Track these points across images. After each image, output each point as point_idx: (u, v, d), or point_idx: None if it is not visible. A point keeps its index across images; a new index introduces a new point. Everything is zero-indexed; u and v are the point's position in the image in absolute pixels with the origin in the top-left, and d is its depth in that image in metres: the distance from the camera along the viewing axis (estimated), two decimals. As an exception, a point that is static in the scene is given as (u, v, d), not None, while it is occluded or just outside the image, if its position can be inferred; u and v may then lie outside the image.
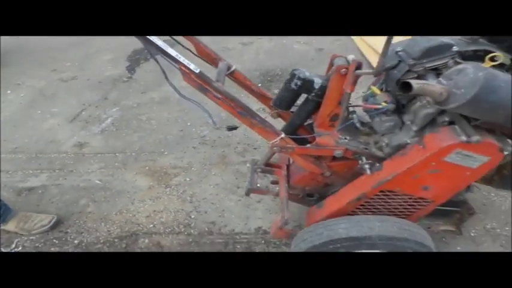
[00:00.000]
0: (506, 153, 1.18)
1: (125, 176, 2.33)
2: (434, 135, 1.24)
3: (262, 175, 1.95)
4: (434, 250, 1.34)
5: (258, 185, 1.71)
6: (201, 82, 1.32)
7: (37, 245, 1.87)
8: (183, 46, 1.50)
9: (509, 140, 1.27)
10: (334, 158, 1.52)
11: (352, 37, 4.07)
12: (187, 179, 2.26)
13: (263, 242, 1.80)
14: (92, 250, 1.81)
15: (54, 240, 1.89)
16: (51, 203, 2.13)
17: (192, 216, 1.98)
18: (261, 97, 1.69)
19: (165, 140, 2.68)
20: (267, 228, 1.86)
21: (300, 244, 1.38)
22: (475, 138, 1.12)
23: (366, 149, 1.46)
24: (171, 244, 1.82)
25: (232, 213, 1.99)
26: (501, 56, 1.15)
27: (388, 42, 1.14)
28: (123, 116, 3.05)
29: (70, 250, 1.83)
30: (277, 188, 1.70)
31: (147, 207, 2.06)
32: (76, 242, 1.86)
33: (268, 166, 1.78)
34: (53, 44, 4.89)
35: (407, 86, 1.09)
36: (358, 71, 1.31)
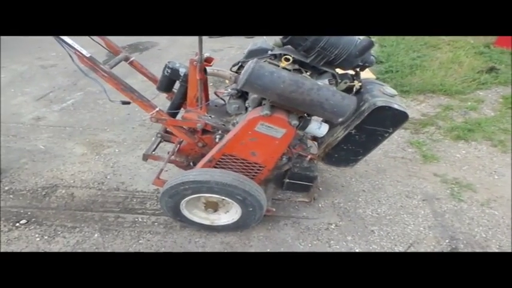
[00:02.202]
0: (294, 124, 1.54)
1: (66, 144, 2.75)
2: (251, 111, 1.63)
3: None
4: (262, 202, 1.71)
5: (154, 152, 2.11)
6: (91, 64, 1.73)
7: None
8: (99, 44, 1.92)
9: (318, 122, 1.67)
10: (204, 132, 1.91)
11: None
12: (117, 151, 2.67)
13: (155, 198, 2.19)
14: (18, 196, 2.21)
15: (-11, 187, 2.30)
16: (-3, 160, 2.55)
17: (108, 177, 2.38)
18: (155, 82, 2.10)
19: (111, 120, 3.11)
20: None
21: (165, 186, 1.78)
22: (265, 112, 1.51)
23: (224, 125, 1.86)
24: (82, 195, 2.22)
25: (141, 177, 2.38)
26: (291, 57, 1.52)
27: (200, 41, 1.54)
28: (84, 99, 3.49)
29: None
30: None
31: (74, 168, 2.46)
32: (6, 188, 2.27)
33: (168, 134, 2.19)
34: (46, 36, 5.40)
35: (205, 70, 1.50)
36: (199, 63, 1.70)
